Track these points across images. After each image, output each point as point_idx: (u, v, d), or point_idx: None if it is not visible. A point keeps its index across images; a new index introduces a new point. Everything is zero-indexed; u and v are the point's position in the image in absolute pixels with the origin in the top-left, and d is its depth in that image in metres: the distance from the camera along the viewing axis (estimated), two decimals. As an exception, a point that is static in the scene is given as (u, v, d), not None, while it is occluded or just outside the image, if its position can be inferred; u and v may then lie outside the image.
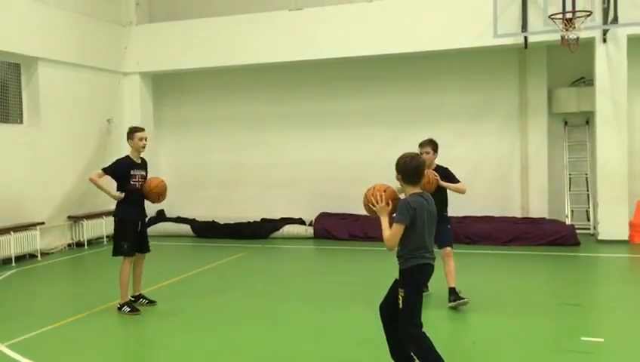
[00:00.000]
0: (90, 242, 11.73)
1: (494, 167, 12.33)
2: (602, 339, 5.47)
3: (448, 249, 6.86)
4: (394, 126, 12.60)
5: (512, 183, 12.35)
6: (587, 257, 9.94)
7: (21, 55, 10.79)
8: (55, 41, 11.33)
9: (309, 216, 12.77)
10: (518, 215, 12.12)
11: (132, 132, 6.86)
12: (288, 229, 12.26)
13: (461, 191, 6.78)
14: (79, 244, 11.69)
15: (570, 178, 12.04)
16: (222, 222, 12.83)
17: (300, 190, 13.44)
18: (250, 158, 13.82)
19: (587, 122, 11.97)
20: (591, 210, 11.68)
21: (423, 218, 4.25)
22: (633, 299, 7.20)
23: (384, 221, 4.31)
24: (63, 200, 11.40)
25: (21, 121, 11.14)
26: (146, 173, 6.95)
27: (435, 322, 5.78)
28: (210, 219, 13.10)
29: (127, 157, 6.85)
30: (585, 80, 11.75)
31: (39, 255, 10.60)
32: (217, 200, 13.85)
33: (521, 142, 12.24)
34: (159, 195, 6.84)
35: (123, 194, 6.75)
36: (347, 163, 13.08)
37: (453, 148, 12.12)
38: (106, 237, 11.91)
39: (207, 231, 12.68)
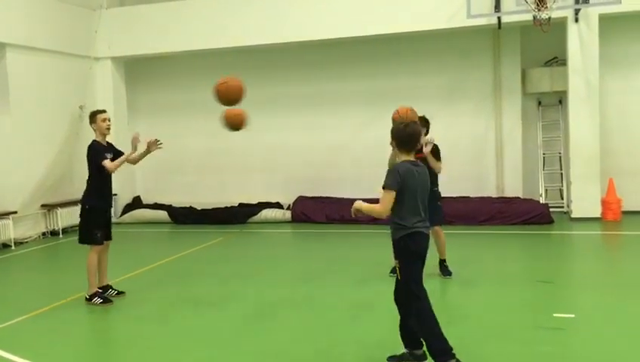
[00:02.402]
0: (65, 230, 11.58)
1: (470, 147, 12.41)
2: (573, 315, 5.56)
3: (437, 228, 6.99)
4: (370, 108, 12.58)
5: (488, 163, 12.45)
6: (561, 235, 10.10)
7: (-12, 41, 10.55)
8: (23, 26, 11.08)
9: (287, 200, 12.76)
10: (494, 194, 12.24)
11: (94, 115, 6.70)
12: (266, 213, 12.24)
13: (436, 170, 6.85)
14: (54, 233, 11.54)
15: (544, 157, 12.17)
16: (199, 208, 12.76)
17: (277, 174, 13.41)
18: (226, 143, 13.66)
19: (560, 102, 12.09)
20: (564, 188, 11.84)
21: (411, 185, 4.18)
22: (604, 274, 7.35)
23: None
24: (36, 188, 11.23)
25: (-10, 109, 10.91)
26: (116, 155, 6.76)
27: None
28: (188, 205, 13.02)
29: (95, 141, 6.67)
30: (558, 60, 11.83)
31: (13, 244, 10.46)
32: (194, 186, 13.76)
33: (496, 122, 12.32)
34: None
35: (136, 150, 6.70)
36: (324, 146, 13.07)
37: (429, 129, 12.19)
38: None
39: (184, 216, 12.61)
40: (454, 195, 11.98)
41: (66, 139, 11.94)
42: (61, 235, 11.47)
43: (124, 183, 13.34)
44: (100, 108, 12.76)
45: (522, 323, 5.41)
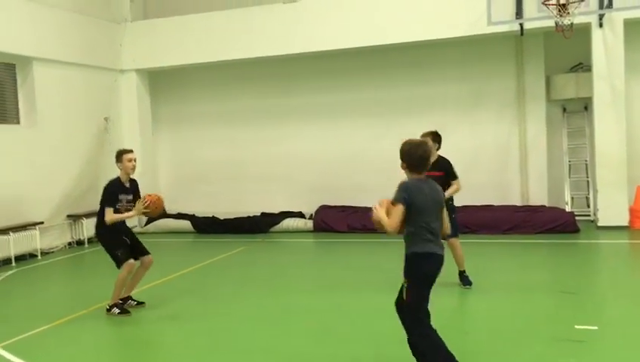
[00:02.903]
0: (90, 240, 11.73)
1: (493, 155, 12.28)
2: (596, 327, 5.44)
3: (452, 239, 6.94)
4: (392, 116, 12.55)
5: (512, 171, 12.29)
6: (586, 244, 9.90)
7: (15, 55, 10.80)
8: (50, 40, 11.32)
9: (310, 209, 12.75)
10: (519, 203, 12.07)
11: (120, 155, 6.69)
12: (288, 223, 12.26)
13: (457, 193, 6.84)
14: (79, 243, 11.73)
15: (569, 165, 11.97)
16: (222, 217, 12.84)
17: (299, 183, 13.42)
18: (249, 153, 13.81)
19: (586, 108, 11.88)
20: (591, 196, 11.62)
21: (421, 201, 4.08)
22: (630, 285, 7.17)
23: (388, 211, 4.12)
24: (62, 199, 11.43)
25: (18, 122, 11.17)
26: (135, 194, 6.75)
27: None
28: (211, 215, 13.11)
29: (118, 179, 6.67)
30: (583, 65, 11.64)
31: (39, 254, 10.65)
32: (217, 196, 13.85)
33: (520, 130, 12.17)
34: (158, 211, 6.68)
35: (141, 207, 6.54)
36: (346, 155, 13.05)
37: (451, 138, 12.01)
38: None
39: (207, 226, 12.70)
40: (479, 204, 11.91)
41: (92, 150, 12.14)
42: (86, 245, 11.64)
43: (148, 193, 13.51)
44: (125, 119, 13.15)
45: (542, 335, 5.30)
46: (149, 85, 13.85)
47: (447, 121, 11.95)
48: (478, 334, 5.44)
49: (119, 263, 6.55)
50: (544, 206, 11.68)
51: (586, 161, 11.89)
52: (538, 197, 12.02)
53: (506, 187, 12.27)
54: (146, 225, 13.25)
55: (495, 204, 11.95)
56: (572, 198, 11.85)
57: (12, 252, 10.06)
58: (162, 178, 14.23)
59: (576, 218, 10.88)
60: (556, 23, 9.05)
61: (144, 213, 6.66)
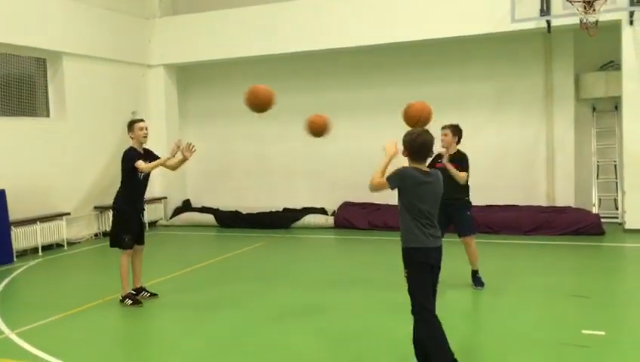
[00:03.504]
0: (116, 232, 11.99)
1: (519, 155, 12.06)
2: (604, 333, 5.30)
3: (468, 238, 6.87)
4: (416, 114, 12.41)
5: (538, 171, 12.05)
6: (611, 247, 9.66)
7: (46, 50, 11.09)
8: (79, 35, 11.59)
9: (333, 205, 12.75)
10: (544, 203, 11.84)
11: (132, 124, 6.86)
12: (309, 219, 12.29)
13: (459, 180, 6.68)
14: (105, 234, 11.95)
15: (598, 165, 11.68)
16: (245, 212, 12.95)
17: (322, 180, 13.42)
18: (273, 148, 13.88)
19: (616, 107, 11.57)
20: (619, 198, 11.32)
21: (415, 191, 4.12)
22: (649, 290, 6.97)
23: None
24: (89, 191, 11.71)
25: (48, 115, 11.47)
26: (152, 161, 6.87)
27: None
28: (234, 209, 13.23)
29: (131, 148, 6.83)
30: (614, 64, 11.33)
31: (65, 244, 10.93)
32: (241, 190, 13.97)
33: (547, 129, 11.91)
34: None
35: (176, 155, 6.74)
36: (370, 152, 12.92)
37: (478, 136, 11.91)
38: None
39: (229, 220, 12.84)
40: (503, 203, 11.74)
41: (119, 143, 12.33)
42: (112, 236, 11.89)
43: (174, 187, 13.78)
44: (153, 113, 13.36)
45: (546, 339, 5.21)
46: (177, 80, 14.05)
47: (473, 119, 11.81)
48: (481, 335, 5.39)
49: (121, 247, 6.71)
50: (570, 207, 11.43)
51: (614, 161, 11.58)
52: (565, 198, 11.76)
53: (532, 187, 12.04)
54: (171, 218, 13.47)
55: (520, 204, 11.75)
56: (599, 200, 11.56)
57: (39, 241, 10.36)
58: (189, 172, 14.40)
59: (604, 220, 10.63)
60: (581, 21, 8.82)
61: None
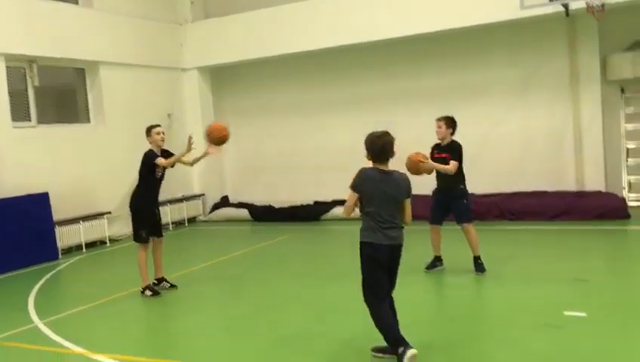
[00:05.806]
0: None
1: (546, 140, 11.92)
2: (585, 314, 5.41)
3: (465, 225, 7.06)
4: (442, 104, 12.29)
5: (566, 156, 11.88)
6: (635, 231, 9.52)
7: (84, 60, 11.86)
8: (115, 45, 12.31)
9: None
10: (574, 188, 11.71)
11: (149, 129, 7.43)
12: (337, 211, 12.60)
13: (447, 171, 6.89)
14: (145, 231, 12.70)
15: (627, 149, 11.45)
16: (277, 206, 13.41)
17: (353, 173, 13.63)
18: (305, 143, 14.23)
19: (645, 88, 11.32)
20: (650, 181, 11.10)
21: (369, 189, 4.41)
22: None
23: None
24: (128, 191, 12.36)
25: (88, 121, 12.26)
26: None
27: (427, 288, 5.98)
28: (268, 203, 13.71)
29: (151, 150, 7.41)
30: (641, 43, 11.08)
31: (107, 241, 11.70)
32: (275, 185, 14.40)
33: (574, 113, 11.74)
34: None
35: (190, 153, 7.23)
36: (398, 143, 13.12)
37: (503, 123, 11.99)
38: (172, 223, 12.97)
39: (262, 214, 13.33)
40: (530, 190, 11.70)
41: (156, 145, 13.04)
42: (152, 233, 12.61)
43: (213, 184, 14.41)
44: (189, 115, 13.97)
45: (525, 321, 5.36)
46: (212, 81, 14.62)
47: (498, 106, 11.89)
48: (463, 320, 5.59)
49: (139, 241, 7.34)
50: (600, 191, 11.27)
51: (645, 143, 11.35)
52: (594, 182, 11.58)
53: (560, 173, 11.89)
54: (210, 212, 14.10)
55: (549, 190, 11.67)
56: (629, 183, 11.35)
57: (82, 239, 11.16)
58: (227, 170, 15.01)
59: (636, 204, 10.44)
60: (587, 4, 8.73)
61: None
